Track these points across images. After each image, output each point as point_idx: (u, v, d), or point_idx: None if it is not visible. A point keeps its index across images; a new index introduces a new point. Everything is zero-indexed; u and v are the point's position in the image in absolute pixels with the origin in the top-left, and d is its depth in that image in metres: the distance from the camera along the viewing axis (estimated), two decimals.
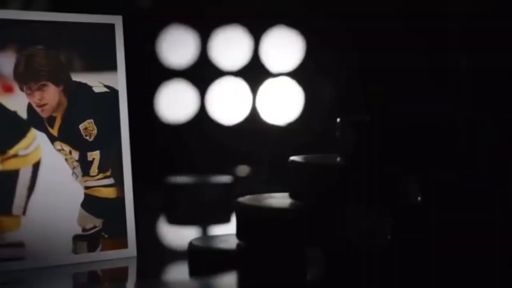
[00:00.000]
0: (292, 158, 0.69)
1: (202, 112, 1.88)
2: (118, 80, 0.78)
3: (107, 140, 0.77)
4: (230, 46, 1.86)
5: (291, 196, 0.69)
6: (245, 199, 0.69)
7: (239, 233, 0.68)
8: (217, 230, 1.01)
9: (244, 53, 1.85)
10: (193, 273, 0.69)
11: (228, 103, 1.87)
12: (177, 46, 1.89)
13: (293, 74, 1.84)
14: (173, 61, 1.89)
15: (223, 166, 1.66)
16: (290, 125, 1.83)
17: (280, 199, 0.69)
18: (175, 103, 1.89)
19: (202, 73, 1.88)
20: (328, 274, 0.64)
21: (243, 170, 1.70)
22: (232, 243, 0.69)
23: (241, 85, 1.86)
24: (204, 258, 0.67)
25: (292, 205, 0.66)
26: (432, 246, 0.66)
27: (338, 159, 0.68)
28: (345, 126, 0.68)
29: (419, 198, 0.66)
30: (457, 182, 0.69)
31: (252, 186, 1.45)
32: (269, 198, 0.70)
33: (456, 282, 0.64)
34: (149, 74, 1.89)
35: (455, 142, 0.72)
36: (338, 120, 0.68)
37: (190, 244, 0.70)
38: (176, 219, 1.10)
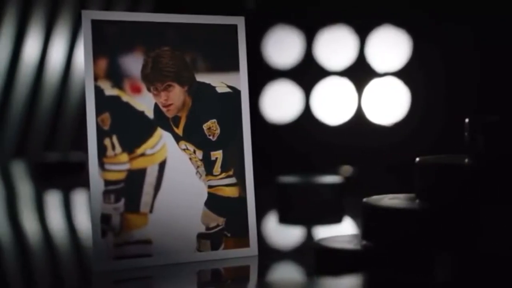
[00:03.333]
0: (419, 158, 0.68)
1: (307, 112, 1.88)
2: (241, 80, 0.78)
3: (230, 140, 0.77)
4: (336, 46, 1.86)
5: (418, 197, 0.68)
6: (371, 199, 0.68)
7: (366, 233, 0.68)
8: (329, 230, 1.01)
9: (349, 52, 1.85)
10: (319, 272, 0.69)
11: (333, 103, 1.87)
12: (282, 46, 1.90)
13: (399, 74, 1.82)
14: (278, 61, 1.90)
15: (328, 166, 1.65)
16: (396, 125, 1.82)
17: (406, 200, 0.68)
18: (280, 103, 1.90)
19: (307, 73, 1.88)
20: (458, 276, 0.63)
21: (348, 170, 1.69)
22: (358, 243, 0.68)
23: (346, 85, 1.86)
24: (331, 258, 0.67)
25: (421, 206, 0.65)
26: None
27: (466, 159, 0.67)
28: (474, 127, 0.66)
29: None
30: None
31: (360, 186, 1.44)
32: (395, 198, 0.69)
33: None
34: (255, 75, 1.90)
35: None
36: (467, 120, 0.67)
37: (316, 244, 0.70)
38: (287, 219, 1.10)
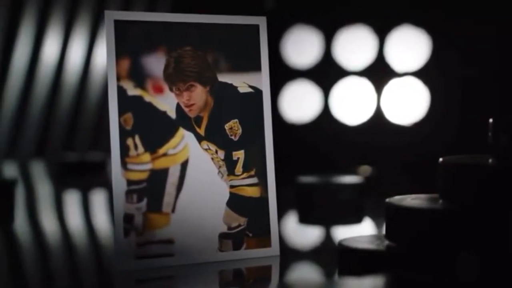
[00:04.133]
0: (442, 159, 0.68)
1: (326, 112, 1.88)
2: (262, 80, 0.78)
3: (251, 140, 0.77)
4: (355, 46, 1.86)
5: (441, 197, 0.67)
6: (394, 200, 0.68)
7: (389, 234, 0.67)
8: (349, 230, 1.01)
9: (368, 52, 1.85)
10: (341, 273, 0.69)
11: (352, 103, 1.87)
12: (301, 46, 1.90)
13: (418, 74, 1.82)
14: (297, 61, 1.90)
15: (347, 166, 1.65)
16: (416, 125, 1.81)
17: (429, 200, 0.68)
18: (299, 103, 1.90)
19: (326, 73, 1.88)
20: (482, 277, 0.62)
21: (368, 170, 1.69)
22: (380, 243, 0.68)
23: (365, 85, 1.85)
24: (353, 258, 0.67)
25: (445, 206, 0.65)
26: None
27: (490, 159, 0.67)
28: (498, 126, 0.66)
29: None
30: None
31: (379, 186, 1.44)
32: (417, 199, 0.69)
33: None
34: (274, 74, 1.90)
35: None
36: (491, 120, 0.67)
37: (340, 244, 0.70)
38: (308, 219, 1.10)
